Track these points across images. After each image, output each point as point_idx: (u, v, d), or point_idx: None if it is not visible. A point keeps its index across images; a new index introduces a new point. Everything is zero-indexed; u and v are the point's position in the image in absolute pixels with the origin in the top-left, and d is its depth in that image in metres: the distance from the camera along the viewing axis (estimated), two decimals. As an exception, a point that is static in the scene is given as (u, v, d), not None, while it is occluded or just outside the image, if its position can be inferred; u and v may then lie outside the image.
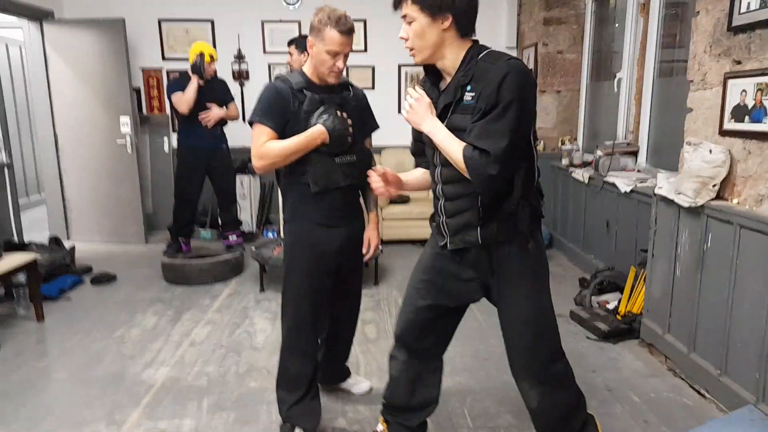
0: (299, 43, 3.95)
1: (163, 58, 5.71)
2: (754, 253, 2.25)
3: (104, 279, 4.21)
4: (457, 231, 1.69)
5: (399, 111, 5.85)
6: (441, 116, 1.61)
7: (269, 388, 2.55)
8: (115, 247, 5.25)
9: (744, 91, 2.38)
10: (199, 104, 4.29)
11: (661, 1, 3.52)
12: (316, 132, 1.99)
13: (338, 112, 2.03)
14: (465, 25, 1.57)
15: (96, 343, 3.16)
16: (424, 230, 5.28)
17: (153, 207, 5.79)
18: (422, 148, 1.83)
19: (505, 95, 1.46)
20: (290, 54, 3.97)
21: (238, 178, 5.48)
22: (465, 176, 1.56)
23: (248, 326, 3.40)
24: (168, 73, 5.66)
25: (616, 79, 4.16)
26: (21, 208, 5.05)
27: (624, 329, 3.12)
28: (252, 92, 5.70)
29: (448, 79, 1.62)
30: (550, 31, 5.00)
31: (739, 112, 2.41)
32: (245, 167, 5.58)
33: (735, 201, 2.45)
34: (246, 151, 5.31)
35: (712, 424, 2.23)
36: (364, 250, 2.29)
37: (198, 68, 4.23)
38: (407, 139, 6.64)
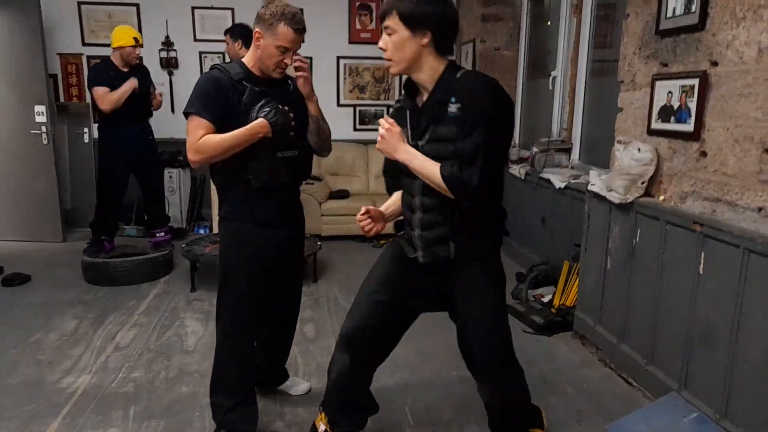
0: (233, 31, 3.91)
1: (84, 43, 5.34)
2: (679, 247, 2.36)
3: (17, 280, 3.88)
4: (430, 244, 1.72)
5: (338, 104, 5.78)
6: (424, 129, 1.64)
7: (202, 392, 2.43)
8: (30, 245, 4.86)
9: (670, 92, 2.48)
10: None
11: (593, 2, 3.64)
12: (258, 126, 1.90)
13: (280, 106, 1.94)
14: (443, 44, 1.62)
15: (9, 350, 2.90)
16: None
17: (72, 202, 5.41)
18: (396, 179, 1.85)
19: (491, 114, 1.54)
20: (226, 43, 3.89)
21: (167, 171, 5.23)
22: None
23: (179, 328, 3.23)
24: (89, 59, 5.30)
25: (551, 77, 4.28)
26: None
27: (558, 322, 3.21)
28: (181, 81, 5.44)
29: (425, 94, 1.67)
30: (488, 27, 5.06)
31: (666, 113, 2.51)
32: (174, 160, 5.32)
33: (661, 198, 2.55)
34: (174, 144, 5.18)
35: (639, 412, 2.33)
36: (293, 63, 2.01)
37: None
38: (346, 133, 6.59)
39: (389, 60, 1.63)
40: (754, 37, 2.04)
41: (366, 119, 5.86)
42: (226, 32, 3.95)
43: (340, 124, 5.75)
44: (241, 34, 3.81)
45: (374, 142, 6.41)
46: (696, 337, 2.27)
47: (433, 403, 2.45)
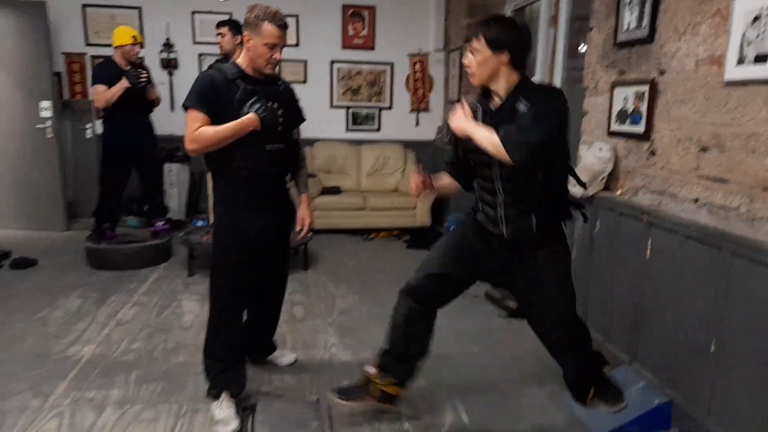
0: (233, 25, 3.99)
1: (87, 43, 5.58)
2: (630, 236, 2.63)
3: (24, 263, 4.11)
4: (514, 220, 1.97)
5: (331, 105, 6.04)
6: (495, 127, 1.88)
7: (197, 362, 2.64)
8: (34, 234, 5.08)
9: (626, 97, 2.76)
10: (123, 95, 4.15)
11: (567, 14, 3.91)
12: (248, 120, 2.14)
13: (269, 103, 2.18)
14: (518, 61, 1.91)
15: (18, 324, 3.13)
16: (354, 220, 5.54)
17: (74, 194, 5.62)
18: (461, 171, 2.14)
19: (550, 104, 1.85)
20: (221, 35, 4.00)
21: (167, 166, 5.44)
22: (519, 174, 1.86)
23: (176, 308, 3.47)
24: (92, 58, 5.54)
25: (529, 84, 4.53)
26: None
27: (528, 308, 3.46)
28: (180, 81, 5.68)
29: (497, 99, 1.95)
30: (473, 36, 5.32)
31: (622, 116, 2.79)
32: (173, 156, 5.55)
33: (618, 192, 2.82)
34: (173, 140, 5.40)
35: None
36: (297, 228, 2.46)
37: (132, 77, 4.10)
38: (337, 133, 6.83)
39: (472, 74, 1.93)
40: (692, 50, 2.31)
41: (358, 120, 6.12)
42: (223, 24, 4.01)
43: (333, 124, 6.03)
44: (241, 29, 3.96)
45: (366, 142, 6.68)
46: (643, 316, 2.53)
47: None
